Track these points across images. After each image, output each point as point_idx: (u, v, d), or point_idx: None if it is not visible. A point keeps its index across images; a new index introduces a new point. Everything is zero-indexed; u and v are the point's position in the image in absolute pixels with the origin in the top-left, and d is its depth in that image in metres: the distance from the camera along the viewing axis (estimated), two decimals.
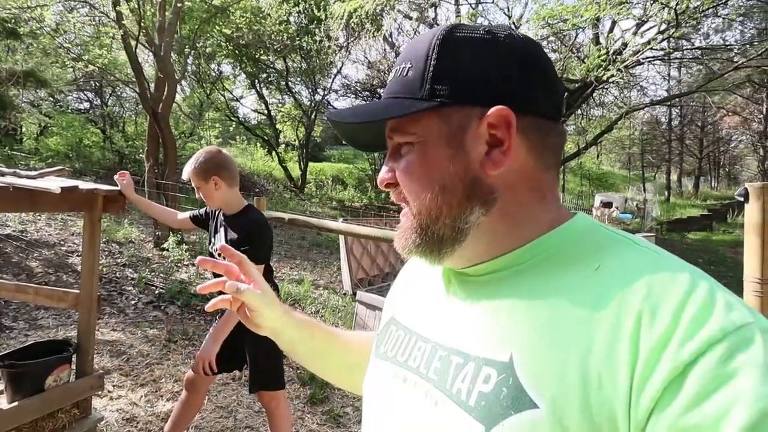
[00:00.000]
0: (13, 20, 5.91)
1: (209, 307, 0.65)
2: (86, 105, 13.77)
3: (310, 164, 14.99)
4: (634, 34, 8.05)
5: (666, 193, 22.25)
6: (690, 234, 14.79)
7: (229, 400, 2.77)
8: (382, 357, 0.58)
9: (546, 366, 0.40)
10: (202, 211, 2.17)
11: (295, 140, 15.45)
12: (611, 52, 6.76)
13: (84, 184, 2.00)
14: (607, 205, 17.28)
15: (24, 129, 10.99)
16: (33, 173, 2.04)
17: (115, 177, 2.12)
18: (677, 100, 13.38)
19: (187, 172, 1.92)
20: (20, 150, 9.46)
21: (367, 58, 14.47)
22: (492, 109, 0.45)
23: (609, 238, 0.48)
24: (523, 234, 0.49)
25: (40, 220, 5.85)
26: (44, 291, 2.43)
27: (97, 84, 12.41)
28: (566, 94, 9.45)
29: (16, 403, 1.87)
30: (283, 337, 0.69)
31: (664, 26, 7.24)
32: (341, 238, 5.59)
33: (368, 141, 0.59)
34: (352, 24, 7.83)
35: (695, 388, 0.34)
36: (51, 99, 10.83)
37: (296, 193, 13.64)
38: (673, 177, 24.62)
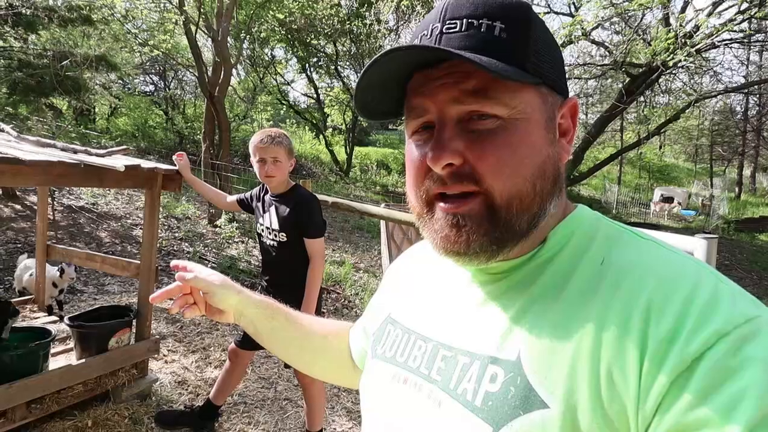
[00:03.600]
0: (87, 7, 6.34)
1: (172, 307, 0.68)
2: (151, 88, 14.63)
3: (356, 149, 15.13)
4: (709, 15, 7.36)
5: (737, 189, 20.46)
6: (762, 235, 13.57)
7: (270, 372, 2.91)
8: (381, 358, 0.55)
9: (555, 364, 0.40)
10: (248, 195, 2.27)
11: (342, 124, 15.62)
12: (681, 34, 6.22)
13: (145, 163, 2.15)
14: (668, 200, 16.19)
15: (96, 110, 11.84)
16: (101, 152, 2.21)
17: (174, 158, 2.26)
18: (756, 87, 12.15)
19: (272, 142, 1.97)
20: (93, 129, 10.24)
21: None
22: (571, 99, 0.47)
23: (612, 231, 0.47)
24: (548, 226, 0.47)
25: (109, 194, 6.34)
26: (110, 260, 2.66)
27: (161, 68, 13.11)
28: (627, 80, 8.87)
29: (83, 360, 2.08)
30: (245, 317, 0.70)
31: (745, 5, 6.57)
32: (382, 223, 5.64)
33: (379, 104, 0.49)
34: (403, 7, 7.72)
35: (702, 383, 0.34)
36: (120, 82, 11.58)
37: (341, 176, 13.83)
38: (746, 172, 22.54)
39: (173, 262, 0.71)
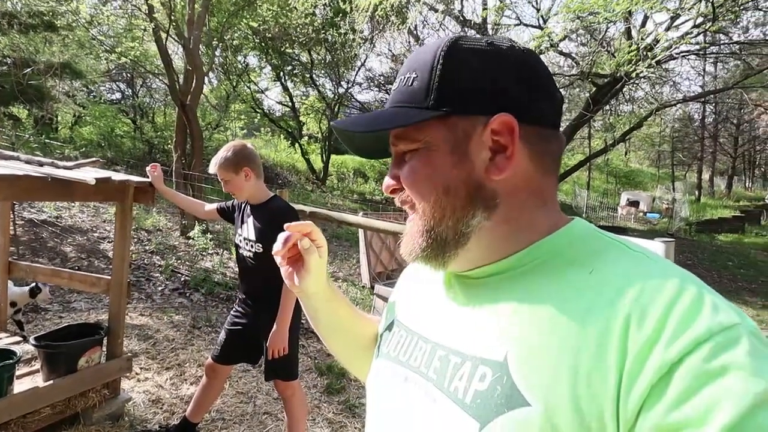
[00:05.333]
0: (50, 13, 6.12)
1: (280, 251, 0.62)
2: (118, 96, 14.19)
3: (332, 157, 15.06)
4: (668, 28, 7.75)
5: (696, 192, 21.49)
6: (720, 236, 14.27)
7: (249, 386, 2.85)
8: (385, 357, 0.60)
9: (539, 365, 0.42)
10: (229, 203, 2.24)
11: (317, 132, 15.57)
12: (642, 47, 6.53)
13: (117, 176, 2.09)
14: (634, 203, 16.83)
15: (59, 118, 11.40)
16: (70, 164, 2.14)
17: (147, 169, 2.20)
18: (712, 96, 12.80)
19: (216, 165, 1.97)
20: (56, 139, 9.83)
21: (391, 50, 14.40)
22: (495, 117, 0.47)
23: (604, 243, 0.49)
24: (523, 238, 0.50)
25: (73, 206, 6.10)
26: (78, 276, 2.55)
27: (129, 75, 12.76)
28: (593, 89, 9.23)
29: (51, 382, 1.99)
30: (312, 302, 0.69)
31: (700, 20, 6.95)
32: (361, 231, 5.64)
33: (370, 147, 0.60)
34: (377, 17, 7.79)
35: (681, 387, 0.35)
36: (85, 89, 11.19)
37: (318, 185, 13.75)
38: (705, 176, 23.72)
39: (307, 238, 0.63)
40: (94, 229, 5.72)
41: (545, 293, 0.46)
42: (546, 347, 0.42)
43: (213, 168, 1.98)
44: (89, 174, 1.98)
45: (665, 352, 0.36)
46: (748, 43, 8.89)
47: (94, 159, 2.39)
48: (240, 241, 2.09)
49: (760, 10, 8.13)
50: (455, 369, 0.48)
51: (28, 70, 5.60)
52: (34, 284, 2.82)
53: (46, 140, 8.63)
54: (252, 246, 2.02)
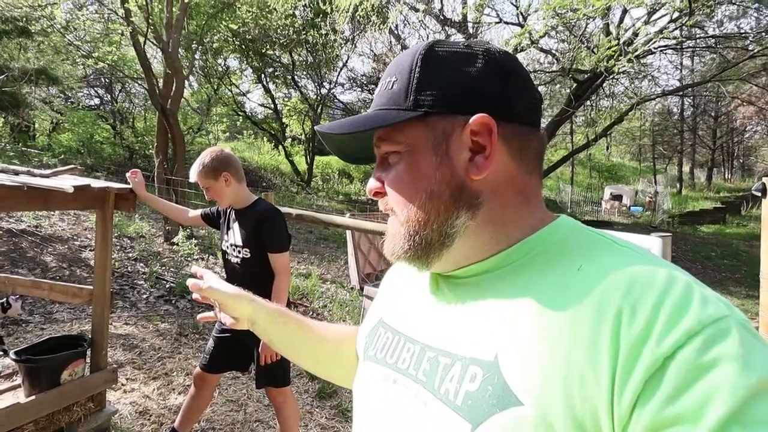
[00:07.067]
0: (24, 19, 5.97)
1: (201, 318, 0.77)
2: (96, 101, 13.90)
3: (317, 158, 14.98)
4: (646, 23, 7.88)
5: (678, 185, 21.91)
6: (703, 227, 14.58)
7: (239, 394, 2.81)
8: (372, 359, 0.59)
9: (530, 364, 0.41)
10: (214, 209, 2.20)
11: (301, 134, 15.46)
12: (622, 42, 6.63)
13: (96, 183, 2.04)
14: (617, 197, 17.09)
15: (36, 125, 11.12)
16: (46, 172, 2.07)
17: (127, 175, 2.15)
18: (690, 90, 13.08)
19: (195, 173, 1.95)
20: (33, 146, 9.59)
21: (372, 50, 14.42)
22: (473, 117, 0.47)
23: (591, 239, 0.49)
24: (508, 237, 0.50)
25: (53, 215, 5.95)
26: (59, 287, 2.48)
27: (107, 80, 12.51)
28: (574, 85, 9.34)
29: (33, 397, 1.93)
30: (258, 326, 0.74)
31: (676, 14, 7.08)
32: (348, 232, 5.61)
33: (356, 153, 0.61)
34: (358, 17, 7.77)
35: (675, 381, 0.35)
36: (62, 96, 10.94)
37: (303, 187, 13.67)
38: (685, 169, 24.21)
39: (193, 269, 0.78)
40: (75, 237, 5.58)
41: (534, 290, 0.45)
42: (537, 345, 0.42)
43: (193, 176, 1.96)
44: (67, 182, 1.92)
45: (658, 347, 0.36)
46: (724, 37, 9.09)
47: (72, 166, 2.32)
48: (227, 247, 2.05)
49: (734, 3, 8.33)
50: (445, 370, 0.47)
51: (2, 77, 5.45)
52: (4, 299, 2.72)
53: (24, 148, 8.41)
54: (239, 252, 1.99)
